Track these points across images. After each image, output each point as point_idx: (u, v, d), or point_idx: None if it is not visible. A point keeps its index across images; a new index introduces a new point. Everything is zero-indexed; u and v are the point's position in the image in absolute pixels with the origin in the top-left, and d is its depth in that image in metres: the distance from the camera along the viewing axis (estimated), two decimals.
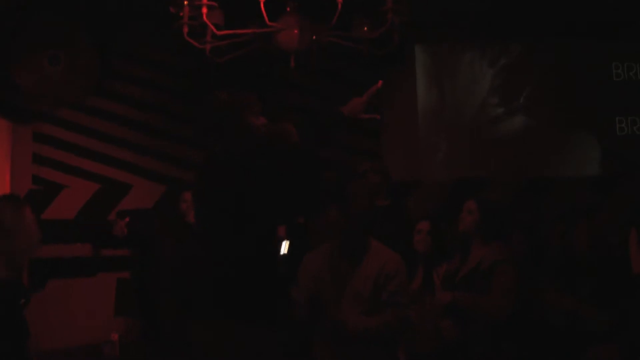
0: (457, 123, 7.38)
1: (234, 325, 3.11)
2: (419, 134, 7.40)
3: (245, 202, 3.16)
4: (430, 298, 4.69)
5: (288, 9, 4.70)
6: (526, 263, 5.04)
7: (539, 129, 7.28)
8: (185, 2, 4.57)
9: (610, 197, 6.88)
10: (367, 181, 5.58)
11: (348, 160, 7.60)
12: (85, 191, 7.14)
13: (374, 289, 3.98)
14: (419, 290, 4.85)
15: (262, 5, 4.36)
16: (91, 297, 6.67)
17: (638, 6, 6.53)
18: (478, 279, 4.41)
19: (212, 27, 4.53)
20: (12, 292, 4.15)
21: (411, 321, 4.24)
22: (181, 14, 4.60)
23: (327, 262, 4.12)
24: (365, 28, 4.86)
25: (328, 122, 3.49)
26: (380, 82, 3.57)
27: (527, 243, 5.49)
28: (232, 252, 3.20)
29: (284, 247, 4.16)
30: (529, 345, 4.51)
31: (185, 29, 4.61)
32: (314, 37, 4.75)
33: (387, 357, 4.15)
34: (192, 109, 6.72)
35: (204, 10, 4.39)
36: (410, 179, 7.10)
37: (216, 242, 3.27)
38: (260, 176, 3.18)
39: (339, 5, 4.33)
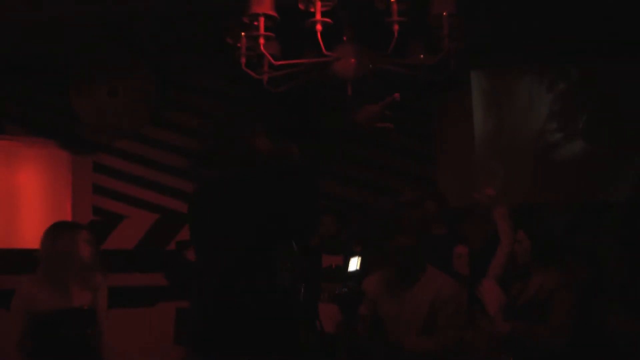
0: (514, 148, 7.30)
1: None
2: (475, 159, 7.34)
3: (240, 225, 3.03)
4: (483, 319, 4.67)
5: (345, 37, 4.71)
6: (588, 288, 4.96)
7: (598, 154, 7.18)
8: (243, 34, 4.63)
9: None
10: (423, 209, 5.58)
11: (402, 187, 7.60)
12: (144, 221, 7.23)
13: (430, 312, 4.00)
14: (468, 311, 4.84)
15: (318, 35, 4.37)
16: (152, 326, 6.72)
17: None
18: (537, 307, 4.35)
19: (269, 57, 4.56)
20: (80, 320, 4.24)
21: (466, 344, 4.23)
22: (239, 44, 4.66)
23: (384, 286, 4.15)
24: (422, 55, 4.85)
25: (333, 133, 3.39)
26: (397, 94, 3.47)
27: (588, 268, 5.40)
28: (224, 281, 3.05)
29: (356, 263, 4.14)
30: None
31: (243, 60, 4.65)
32: (371, 65, 4.75)
33: None
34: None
35: (262, 40, 4.42)
36: (465, 205, 7.05)
37: (210, 269, 3.12)
38: (257, 197, 3.05)
39: (396, 33, 4.33)
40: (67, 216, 6.84)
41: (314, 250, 5.68)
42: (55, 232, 4.34)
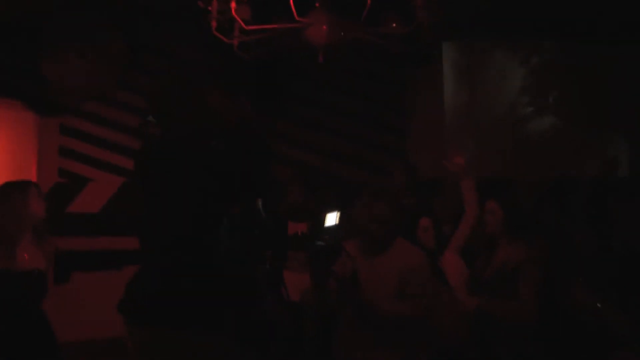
0: (485, 122, 7.32)
1: (168, 331, 2.88)
2: (446, 132, 7.35)
3: (192, 184, 2.92)
4: (445, 291, 4.71)
5: (317, 4, 4.67)
6: (552, 262, 4.99)
7: (567, 129, 7.24)
8: None
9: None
10: (392, 179, 5.60)
11: (373, 158, 7.61)
12: (111, 185, 7.16)
13: (400, 281, 4.04)
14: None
15: (291, 0, 4.33)
16: (116, 290, 6.67)
17: None
18: (504, 280, 4.37)
19: (240, 22, 4.51)
20: (33, 284, 4.18)
21: (435, 313, 4.28)
22: (210, 8, 4.60)
23: (359, 252, 4.18)
24: (394, 24, 4.81)
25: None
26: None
27: (552, 243, 5.44)
28: (171, 244, 2.95)
29: (334, 218, 4.13)
30: (555, 346, 4.46)
31: (214, 24, 4.59)
32: (343, 33, 4.71)
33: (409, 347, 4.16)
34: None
35: (233, 4, 4.37)
36: (436, 177, 7.06)
37: (158, 229, 3.02)
38: (204, 155, 2.97)
39: (369, 1, 4.29)
40: (32, 178, 6.75)
41: (280, 218, 5.66)
42: (6, 190, 4.24)
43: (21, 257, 4.15)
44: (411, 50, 5.00)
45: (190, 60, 7.42)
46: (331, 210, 4.17)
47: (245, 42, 4.83)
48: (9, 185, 4.28)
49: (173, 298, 2.87)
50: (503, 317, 4.30)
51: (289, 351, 5.22)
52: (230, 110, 3.12)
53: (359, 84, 7.69)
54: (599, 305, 4.53)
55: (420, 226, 5.31)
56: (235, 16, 4.44)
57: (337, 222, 4.20)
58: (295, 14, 4.46)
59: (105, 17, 7.08)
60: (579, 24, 6.94)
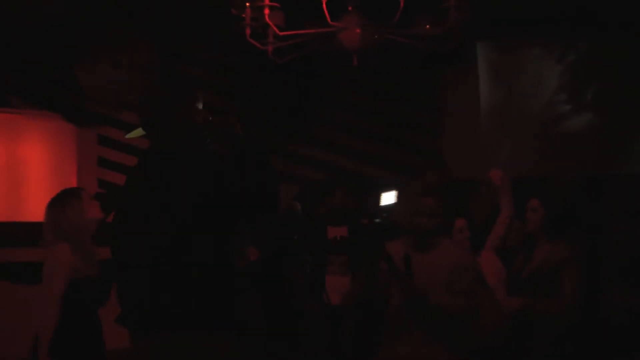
0: (522, 121, 7.29)
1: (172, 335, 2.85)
2: (482, 131, 7.33)
3: (183, 200, 2.87)
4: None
5: (350, 7, 4.69)
6: (588, 261, 4.96)
7: (606, 127, 7.17)
8: (247, 4, 4.60)
9: None
10: (424, 180, 5.58)
11: (407, 160, 7.60)
12: None
13: (449, 279, 4.01)
14: None
15: (324, 4, 4.35)
16: None
17: None
18: (544, 279, 4.35)
19: (274, 28, 4.54)
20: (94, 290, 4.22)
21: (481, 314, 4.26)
22: (243, 15, 4.63)
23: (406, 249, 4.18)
24: (428, 26, 4.81)
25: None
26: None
27: (590, 241, 5.41)
28: (169, 256, 2.87)
29: (392, 197, 4.14)
30: (589, 345, 4.43)
31: (248, 31, 4.63)
32: (376, 35, 4.72)
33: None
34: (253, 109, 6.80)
35: (266, 11, 4.40)
36: (471, 178, 7.04)
37: (153, 242, 2.91)
38: (199, 171, 2.92)
39: (402, 3, 4.30)
40: None
41: (319, 222, 5.67)
42: (71, 199, 4.29)
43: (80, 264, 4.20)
44: (444, 51, 4.99)
45: (224, 66, 7.48)
46: (387, 189, 4.16)
47: (278, 47, 4.86)
48: (59, 195, 4.34)
49: (183, 304, 2.85)
50: (545, 317, 4.27)
51: (328, 354, 5.23)
52: (216, 126, 3.12)
53: (392, 86, 7.69)
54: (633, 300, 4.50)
55: (455, 227, 5.30)
56: (269, 22, 4.47)
57: (394, 201, 4.18)
58: (328, 18, 4.48)
59: (139, 26, 7.16)
60: (613, 21, 6.88)
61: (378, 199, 4.16)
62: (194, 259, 2.86)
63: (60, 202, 4.25)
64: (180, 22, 7.08)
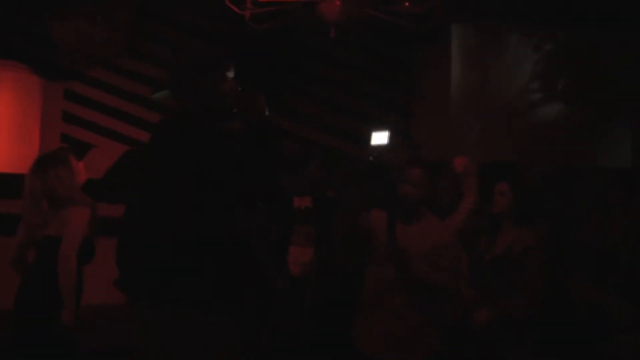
0: (493, 106, 7.31)
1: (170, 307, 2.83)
2: (451, 114, 7.34)
3: (206, 171, 2.86)
4: None
5: None
6: (552, 251, 4.99)
7: (575, 117, 7.22)
8: None
9: None
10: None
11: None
12: (113, 152, 7.15)
13: (431, 254, 4.03)
14: None
15: None
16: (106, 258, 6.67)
17: None
18: (508, 264, 4.36)
19: None
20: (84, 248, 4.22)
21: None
22: None
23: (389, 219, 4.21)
24: (407, 3, 4.80)
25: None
26: None
27: (553, 230, 5.44)
28: (186, 228, 2.85)
29: (384, 137, 4.12)
30: (549, 334, 4.46)
31: None
32: (356, 9, 4.70)
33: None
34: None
35: None
36: (439, 159, 7.06)
37: (169, 216, 2.89)
38: (226, 144, 2.95)
39: None
40: (35, 142, 6.75)
41: (286, 191, 5.65)
42: (49, 158, 4.29)
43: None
44: (421, 30, 4.98)
45: (200, 30, 7.40)
46: (379, 129, 4.15)
47: (257, 14, 4.80)
48: (50, 154, 4.32)
49: (178, 274, 2.83)
50: (511, 315, 4.29)
51: (291, 324, 5.23)
52: (243, 99, 3.07)
53: (368, 61, 7.67)
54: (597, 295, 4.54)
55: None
56: None
57: (387, 142, 4.18)
58: None
59: None
60: (591, 11, 6.91)
61: (369, 138, 4.15)
62: (206, 231, 2.86)
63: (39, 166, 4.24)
64: None
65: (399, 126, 7.45)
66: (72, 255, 4.03)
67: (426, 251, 4.07)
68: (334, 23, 4.69)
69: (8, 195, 5.36)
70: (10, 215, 4.60)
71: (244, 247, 2.98)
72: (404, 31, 5.09)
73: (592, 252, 4.82)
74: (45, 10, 6.88)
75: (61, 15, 6.88)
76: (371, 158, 4.09)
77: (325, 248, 5.25)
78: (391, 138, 4.15)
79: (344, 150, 7.55)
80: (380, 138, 4.17)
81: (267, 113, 3.08)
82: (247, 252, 2.97)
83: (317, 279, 5.22)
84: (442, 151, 7.17)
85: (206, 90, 3.05)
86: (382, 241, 4.14)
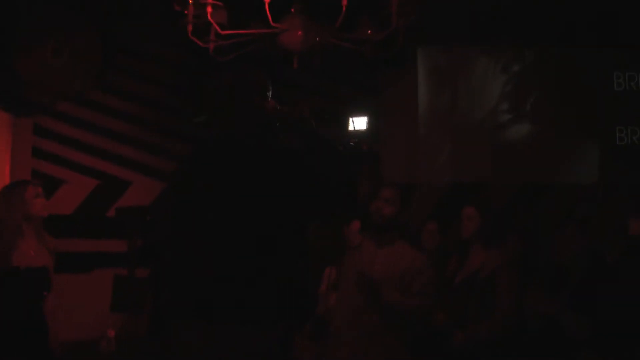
0: (463, 127, 7.36)
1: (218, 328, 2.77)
2: (419, 136, 7.39)
3: (252, 192, 2.80)
4: None
5: (292, 10, 4.70)
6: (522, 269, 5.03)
7: (542, 136, 7.29)
8: (190, 1, 4.58)
9: (601, 207, 6.85)
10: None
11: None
12: (84, 187, 7.14)
13: (402, 278, 4.07)
14: None
15: (266, 6, 4.36)
16: (87, 292, 6.66)
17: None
18: (479, 285, 4.40)
19: (216, 26, 4.53)
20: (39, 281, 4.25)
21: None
22: (186, 11, 4.61)
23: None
24: (369, 30, 4.86)
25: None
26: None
27: (522, 247, 5.48)
28: (228, 249, 2.78)
29: (363, 123, 4.12)
30: (508, 349, 4.48)
31: (190, 28, 4.61)
32: (318, 38, 4.75)
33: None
34: (193, 105, 6.77)
35: (209, 9, 4.39)
36: (409, 181, 7.10)
37: (208, 237, 2.83)
38: (275, 162, 2.87)
39: (344, 7, 4.33)
40: (5, 178, 6.72)
41: None
42: (6, 189, 4.36)
43: (28, 254, 4.24)
44: (386, 56, 5.04)
45: (166, 60, 7.42)
46: (357, 114, 4.14)
47: (220, 45, 4.84)
48: (9, 184, 4.39)
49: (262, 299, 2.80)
50: (485, 337, 4.32)
51: None
52: (288, 114, 3.04)
53: (333, 87, 7.70)
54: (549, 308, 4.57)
55: (426, 229, 5.40)
56: (211, 20, 4.46)
57: (365, 127, 4.17)
58: (270, 19, 4.49)
59: (81, 16, 7.06)
60: (552, 29, 7.00)
61: (346, 123, 4.15)
62: (278, 254, 2.81)
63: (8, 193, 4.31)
64: (125, 13, 7.00)
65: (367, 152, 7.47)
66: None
67: (395, 276, 4.11)
68: (296, 52, 4.73)
69: None
70: None
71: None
72: (368, 57, 5.13)
73: (549, 267, 4.87)
74: (11, 45, 6.88)
75: (27, 49, 6.89)
76: (352, 143, 4.10)
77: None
78: (370, 123, 4.16)
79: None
80: (359, 123, 4.18)
81: (313, 124, 3.04)
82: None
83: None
84: (412, 174, 7.24)
85: (248, 112, 3.01)
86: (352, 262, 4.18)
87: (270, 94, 3.10)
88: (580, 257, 4.52)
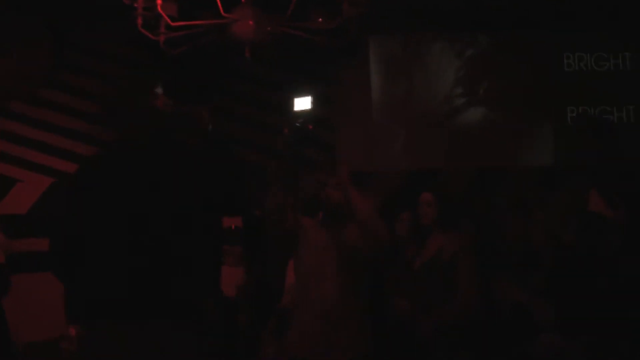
0: (418, 113, 7.40)
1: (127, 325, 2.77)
2: (374, 124, 7.42)
3: (142, 194, 2.81)
4: None
5: (243, 0, 4.70)
6: (479, 253, 5.08)
7: (496, 120, 7.35)
8: None
9: (563, 190, 6.95)
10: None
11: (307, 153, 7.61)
12: (39, 185, 7.06)
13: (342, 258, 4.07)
14: None
15: None
16: (46, 291, 6.58)
17: None
18: (439, 269, 4.43)
19: (166, 18, 4.52)
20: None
21: None
22: (135, 4, 4.58)
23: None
24: (321, 19, 4.87)
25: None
26: None
27: (478, 232, 5.53)
28: (127, 252, 2.80)
29: (307, 103, 4.10)
30: (474, 335, 4.52)
31: (140, 20, 4.59)
32: (269, 28, 4.75)
33: None
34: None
35: (159, 1, 4.37)
36: (364, 172, 7.11)
37: (106, 236, 2.82)
38: (164, 165, 2.88)
39: None
40: None
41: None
42: None
43: None
44: (338, 45, 5.05)
45: (118, 57, 7.36)
46: (300, 94, 4.13)
47: (171, 38, 4.82)
48: None
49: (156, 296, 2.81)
50: (446, 321, 4.35)
51: (223, 347, 5.21)
52: (186, 115, 3.05)
53: (287, 78, 7.69)
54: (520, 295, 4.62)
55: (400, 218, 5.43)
56: (162, 12, 4.44)
57: (309, 107, 4.16)
58: (221, 9, 4.48)
59: (32, 15, 6.98)
60: (503, 13, 7.06)
61: (291, 104, 4.13)
62: (172, 253, 2.81)
63: None
64: (76, 12, 6.93)
65: (327, 142, 7.49)
66: None
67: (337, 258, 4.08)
68: (248, 42, 4.73)
69: None
70: None
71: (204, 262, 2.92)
72: (320, 46, 5.14)
73: (514, 253, 4.92)
74: None
75: None
76: (297, 124, 4.08)
77: (257, 268, 5.27)
78: (314, 103, 4.16)
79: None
80: (302, 103, 4.17)
81: (210, 127, 3.05)
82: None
83: (251, 300, 5.23)
84: (368, 163, 7.26)
85: (140, 112, 2.99)
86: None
87: (160, 91, 3.05)
88: (547, 243, 4.59)
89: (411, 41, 7.52)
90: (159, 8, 4.42)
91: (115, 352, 2.77)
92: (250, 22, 4.63)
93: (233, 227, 5.51)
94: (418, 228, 4.75)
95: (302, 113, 4.14)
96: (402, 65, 7.49)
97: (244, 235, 5.45)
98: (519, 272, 4.79)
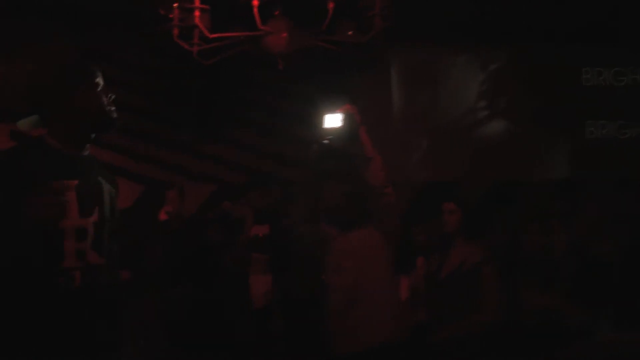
0: (439, 125, 7.46)
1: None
2: (395, 135, 7.46)
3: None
4: None
5: (276, 12, 4.75)
6: (505, 263, 5.12)
7: (514, 133, 7.39)
8: (175, 5, 4.61)
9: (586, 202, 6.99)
10: None
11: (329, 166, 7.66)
12: None
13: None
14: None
15: (255, 9, 4.40)
16: None
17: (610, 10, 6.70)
18: (462, 279, 4.47)
19: (204, 30, 4.56)
20: None
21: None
22: (171, 15, 4.64)
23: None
24: (351, 32, 4.92)
25: None
26: None
27: (505, 243, 5.56)
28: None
29: (338, 120, 4.09)
30: (508, 346, 4.56)
31: (176, 31, 4.63)
32: (302, 41, 4.80)
33: None
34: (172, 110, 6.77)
35: (197, 13, 4.42)
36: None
37: None
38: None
39: (330, 10, 4.40)
40: None
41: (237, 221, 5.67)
42: None
43: None
44: (363, 57, 5.10)
45: (139, 65, 7.41)
46: (331, 111, 4.12)
47: (203, 49, 4.87)
48: None
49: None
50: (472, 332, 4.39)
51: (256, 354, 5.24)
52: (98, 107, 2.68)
53: (308, 89, 7.73)
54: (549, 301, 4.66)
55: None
56: (199, 24, 4.49)
57: (341, 124, 4.13)
58: (258, 21, 4.53)
59: (54, 21, 7.03)
60: (523, 27, 7.10)
61: (320, 121, 4.11)
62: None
63: None
64: (99, 20, 6.98)
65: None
66: None
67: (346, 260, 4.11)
68: (281, 54, 4.78)
69: None
70: None
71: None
72: (342, 58, 5.18)
73: (535, 263, 4.96)
74: None
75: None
76: (326, 141, 4.08)
77: (284, 276, 5.30)
78: (346, 120, 4.14)
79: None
80: (333, 120, 4.15)
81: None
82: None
83: (279, 307, 5.26)
84: (390, 174, 7.28)
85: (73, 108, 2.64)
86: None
87: (101, 85, 2.73)
88: (569, 252, 4.62)
89: (432, 53, 7.57)
90: (196, 20, 4.47)
91: None
92: (284, 35, 4.68)
93: (260, 234, 5.54)
94: (441, 237, 4.79)
95: (332, 130, 4.13)
96: (423, 77, 7.54)
97: (272, 244, 5.49)
98: (542, 281, 4.83)
